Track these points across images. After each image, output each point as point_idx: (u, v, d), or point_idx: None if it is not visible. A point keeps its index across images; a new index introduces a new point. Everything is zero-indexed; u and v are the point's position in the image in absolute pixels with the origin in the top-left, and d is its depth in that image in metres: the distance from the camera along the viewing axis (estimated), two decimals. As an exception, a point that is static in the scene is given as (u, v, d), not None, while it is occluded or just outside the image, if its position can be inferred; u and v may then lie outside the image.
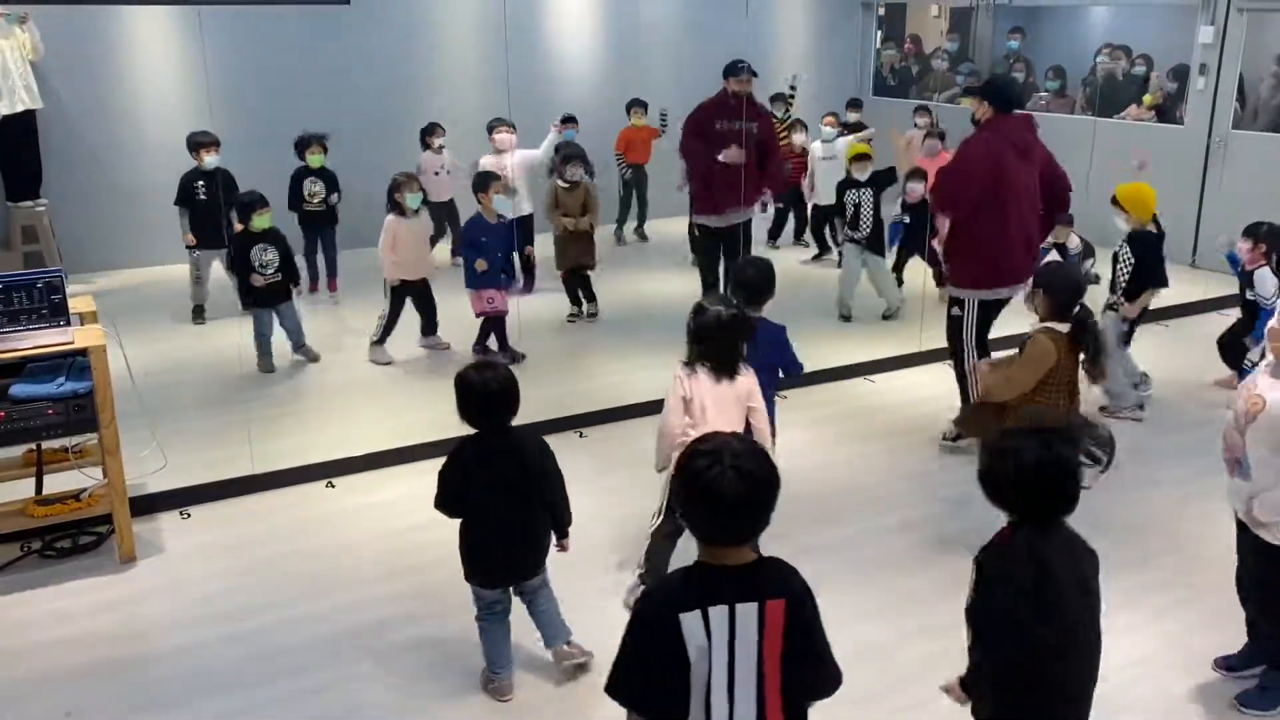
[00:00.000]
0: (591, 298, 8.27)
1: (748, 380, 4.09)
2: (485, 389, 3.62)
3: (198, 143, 7.73)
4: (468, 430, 3.70)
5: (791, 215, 10.58)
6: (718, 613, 2.29)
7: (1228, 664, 3.93)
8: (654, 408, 6.11)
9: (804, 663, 2.37)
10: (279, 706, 3.84)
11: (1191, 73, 9.75)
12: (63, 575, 4.72)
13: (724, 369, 4.04)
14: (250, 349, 6.91)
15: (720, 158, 7.18)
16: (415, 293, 7.18)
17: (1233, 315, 8.51)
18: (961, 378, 5.81)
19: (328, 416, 6.39)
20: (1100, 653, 2.71)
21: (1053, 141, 10.46)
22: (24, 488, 5.01)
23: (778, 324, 4.74)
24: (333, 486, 5.55)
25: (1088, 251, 8.88)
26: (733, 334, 4.02)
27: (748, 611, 2.30)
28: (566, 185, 7.99)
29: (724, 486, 2.24)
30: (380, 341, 7.19)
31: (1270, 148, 9.22)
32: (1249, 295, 6.40)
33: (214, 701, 3.87)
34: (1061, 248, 8.88)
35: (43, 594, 4.58)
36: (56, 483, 5.00)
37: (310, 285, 8.34)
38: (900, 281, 8.75)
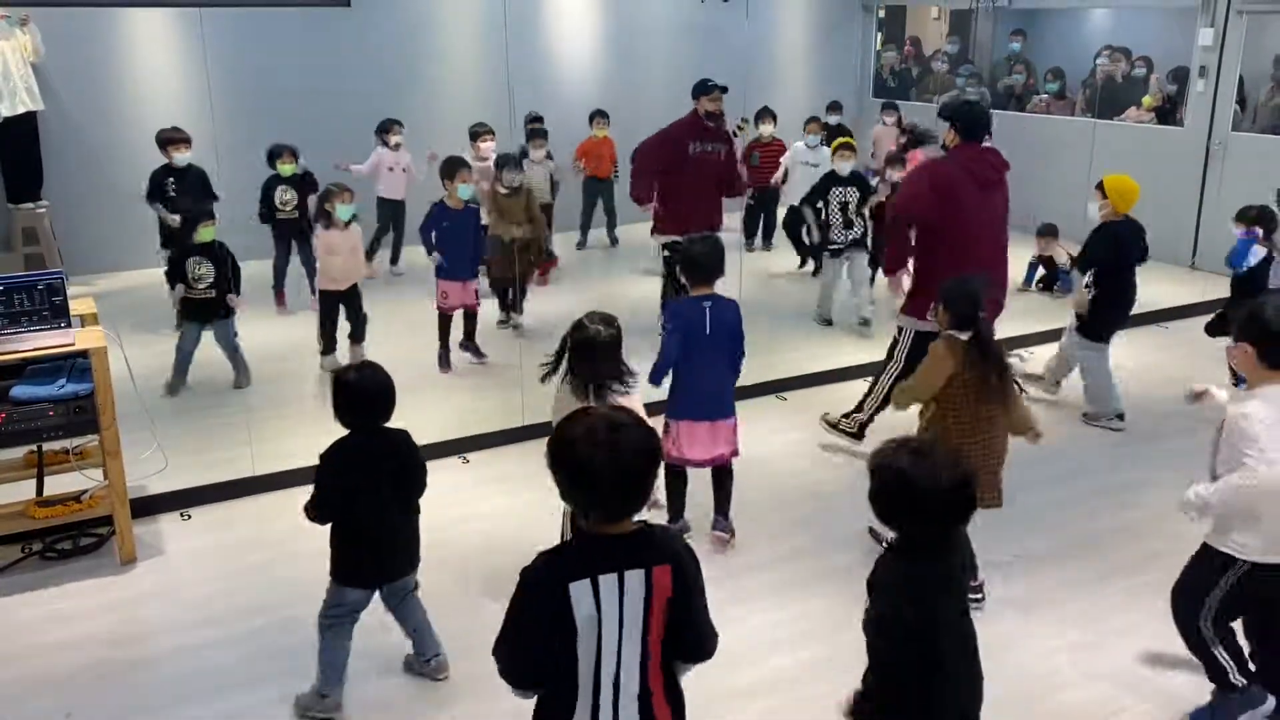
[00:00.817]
0: (519, 310, 7.95)
1: (630, 400, 3.95)
2: (362, 388, 3.61)
3: (167, 139, 7.66)
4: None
5: (762, 216, 10.24)
6: (607, 580, 2.31)
7: None
8: (649, 409, 6.15)
9: (685, 629, 2.41)
10: (279, 708, 3.84)
11: (1191, 75, 9.76)
12: (63, 577, 4.73)
13: (600, 391, 3.91)
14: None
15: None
16: (344, 299, 7.01)
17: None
18: (872, 386, 5.92)
19: (327, 419, 6.37)
20: (977, 688, 2.74)
21: (1053, 144, 10.56)
22: (25, 489, 5.02)
23: (730, 299, 4.77)
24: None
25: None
26: (611, 354, 3.93)
27: (635, 578, 2.32)
28: (506, 191, 7.66)
29: (600, 462, 2.23)
30: (326, 351, 7.05)
31: (1270, 150, 9.23)
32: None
33: (214, 703, 3.87)
34: (1049, 261, 8.90)
35: (43, 595, 4.59)
36: (57, 484, 5.01)
37: (276, 298, 8.12)
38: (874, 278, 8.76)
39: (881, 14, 13.24)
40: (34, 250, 8.82)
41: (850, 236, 7.97)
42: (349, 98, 9.85)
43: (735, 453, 4.89)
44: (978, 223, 5.41)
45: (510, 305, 8.05)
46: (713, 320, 4.63)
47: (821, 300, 8.20)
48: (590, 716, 2.37)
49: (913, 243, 5.72)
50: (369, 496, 3.64)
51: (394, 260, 9.40)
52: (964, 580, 2.73)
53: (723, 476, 4.93)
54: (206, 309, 6.59)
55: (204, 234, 6.52)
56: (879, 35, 13.19)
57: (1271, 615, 3.53)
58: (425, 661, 3.96)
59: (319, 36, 9.80)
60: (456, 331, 7.27)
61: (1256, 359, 3.32)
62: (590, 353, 3.91)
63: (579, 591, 2.29)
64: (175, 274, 6.54)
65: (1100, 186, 6.10)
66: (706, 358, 4.67)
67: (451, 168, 7.04)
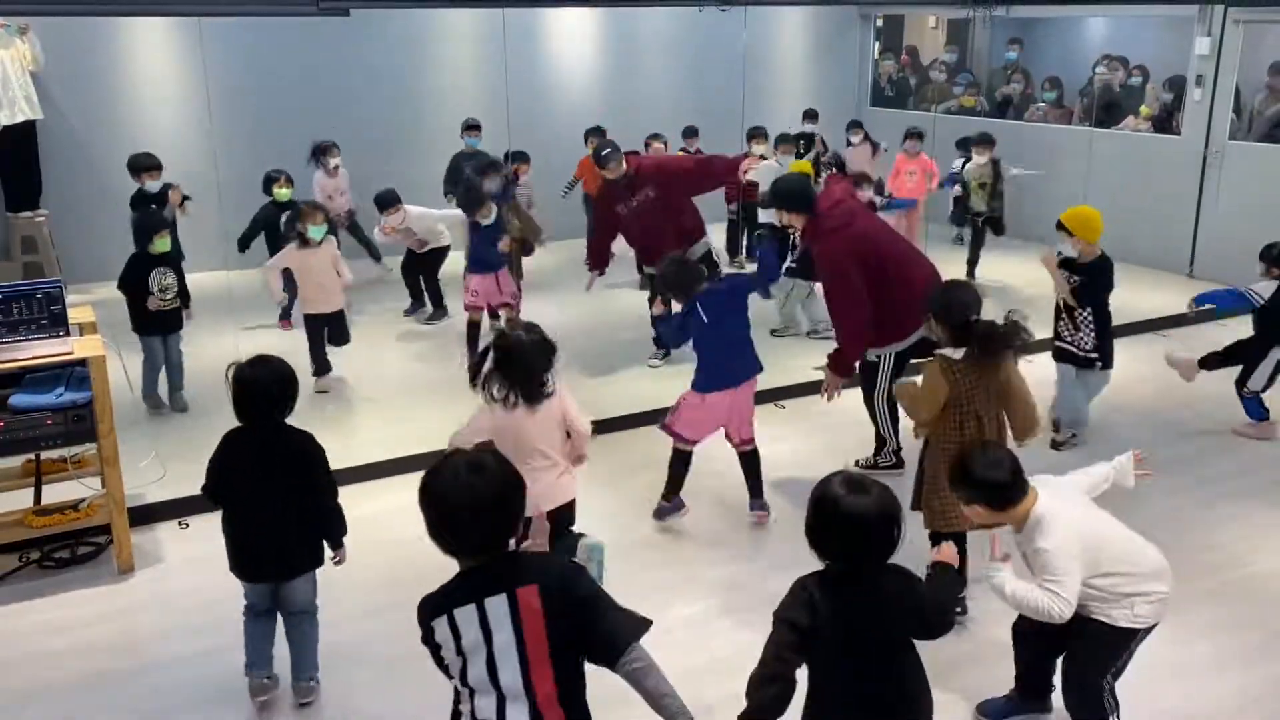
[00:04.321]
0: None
1: (559, 401, 4.07)
2: (256, 384, 3.64)
3: (140, 166, 7.61)
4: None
5: (747, 230, 9.88)
6: (464, 613, 2.40)
7: (988, 710, 3.77)
8: (642, 418, 6.17)
9: (591, 639, 2.44)
10: (276, 716, 3.83)
11: (1188, 84, 9.78)
12: (61, 586, 4.72)
13: (531, 395, 3.95)
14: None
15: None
16: (329, 322, 6.95)
17: (1232, 324, 8.53)
18: (873, 416, 5.82)
19: (323, 427, 6.35)
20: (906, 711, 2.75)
21: (1050, 152, 10.57)
22: (23, 498, 5.01)
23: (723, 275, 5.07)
24: (331, 496, 5.55)
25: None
26: (534, 358, 3.93)
27: (498, 604, 2.39)
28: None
29: (455, 500, 2.36)
30: (318, 373, 6.99)
31: (1266, 158, 9.25)
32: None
33: (212, 712, 3.87)
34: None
35: (41, 604, 4.59)
36: (55, 493, 5.00)
37: (282, 321, 8.09)
38: None
39: (879, 23, 13.26)
40: (32, 259, 8.84)
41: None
42: (348, 109, 9.89)
43: (747, 440, 5.09)
44: (890, 253, 5.42)
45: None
46: (716, 302, 4.90)
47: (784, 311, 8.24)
48: None
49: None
50: (251, 492, 3.67)
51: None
52: (899, 607, 2.70)
53: (747, 460, 5.14)
54: (170, 320, 6.51)
55: (159, 245, 6.38)
56: (877, 44, 13.22)
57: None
58: (295, 680, 3.90)
59: (318, 47, 9.83)
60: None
61: (986, 511, 3.29)
62: (515, 358, 3.92)
63: (441, 631, 2.42)
64: (139, 287, 6.36)
65: (1062, 227, 5.79)
66: (721, 332, 4.91)
67: (475, 205, 7.29)
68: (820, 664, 2.68)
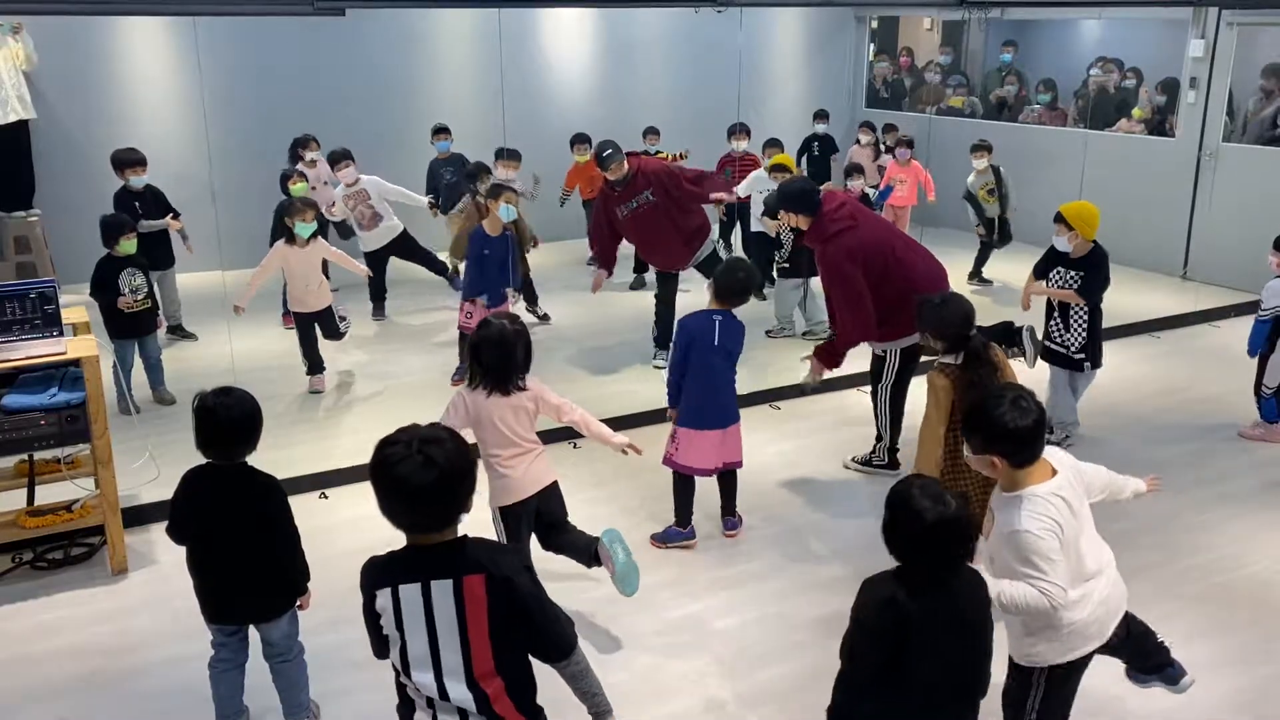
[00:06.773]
0: (534, 301, 8.48)
1: (534, 388, 4.12)
2: (217, 417, 3.36)
3: (123, 161, 7.47)
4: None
5: (737, 230, 9.82)
6: (408, 590, 2.41)
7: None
8: (645, 418, 6.16)
9: (517, 632, 2.45)
10: (273, 718, 3.82)
11: (1182, 86, 9.81)
12: (54, 587, 4.70)
13: (506, 383, 4.01)
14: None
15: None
16: (318, 321, 6.87)
17: (1225, 326, 8.57)
18: (876, 413, 5.81)
19: (320, 427, 6.38)
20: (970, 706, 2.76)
21: (1044, 155, 10.60)
22: (15, 499, 4.99)
23: (735, 318, 4.91)
24: (325, 498, 5.54)
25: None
26: (513, 348, 3.98)
27: (442, 588, 2.40)
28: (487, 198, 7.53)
29: (409, 475, 2.31)
30: (311, 371, 6.92)
31: (1260, 161, 9.28)
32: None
33: (207, 714, 3.85)
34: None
35: (34, 606, 4.57)
36: (49, 494, 4.98)
37: (285, 319, 7.98)
38: None
39: (874, 25, 13.27)
40: (26, 259, 8.80)
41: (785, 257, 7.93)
42: (344, 108, 9.86)
43: (740, 463, 5.03)
44: (899, 249, 5.45)
45: (528, 300, 8.34)
46: (721, 332, 4.80)
47: (778, 312, 8.27)
48: None
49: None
50: (214, 533, 3.46)
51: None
52: (971, 606, 2.71)
53: (727, 479, 5.07)
54: (142, 321, 6.41)
55: (125, 246, 6.30)
56: (871, 46, 13.23)
57: (1073, 690, 3.31)
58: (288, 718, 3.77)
59: (314, 46, 9.81)
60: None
61: (1002, 464, 2.99)
62: (496, 349, 3.97)
63: (383, 599, 2.43)
64: (108, 289, 6.26)
65: (1062, 219, 5.77)
66: (714, 368, 4.82)
67: (496, 190, 6.86)
68: (907, 655, 2.63)
